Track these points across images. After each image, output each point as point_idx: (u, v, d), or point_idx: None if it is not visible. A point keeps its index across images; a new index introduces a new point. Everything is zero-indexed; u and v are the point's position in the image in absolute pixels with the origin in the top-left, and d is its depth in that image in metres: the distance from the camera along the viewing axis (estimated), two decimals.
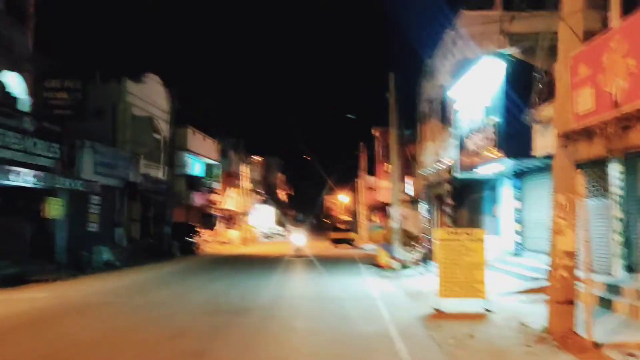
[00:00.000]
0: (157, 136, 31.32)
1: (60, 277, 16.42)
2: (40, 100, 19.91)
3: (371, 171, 58.75)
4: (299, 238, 29.52)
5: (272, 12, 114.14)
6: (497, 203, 17.84)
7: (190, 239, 30.19)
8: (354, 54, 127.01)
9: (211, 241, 41.58)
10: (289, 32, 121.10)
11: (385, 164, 52.20)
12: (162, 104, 31.93)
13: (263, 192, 64.65)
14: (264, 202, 64.22)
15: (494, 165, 14.49)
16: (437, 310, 10.89)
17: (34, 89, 20.31)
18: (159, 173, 31.46)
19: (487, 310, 10.84)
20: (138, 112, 29.38)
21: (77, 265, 19.99)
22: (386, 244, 22.54)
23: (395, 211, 24.87)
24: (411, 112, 31.72)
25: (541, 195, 15.05)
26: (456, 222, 14.32)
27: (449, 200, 13.94)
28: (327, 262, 24.42)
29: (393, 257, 21.67)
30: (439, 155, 20.52)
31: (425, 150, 23.88)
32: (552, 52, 12.61)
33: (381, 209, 56.23)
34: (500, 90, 13.27)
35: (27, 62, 20.38)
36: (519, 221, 16.65)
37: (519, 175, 16.34)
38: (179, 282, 16.28)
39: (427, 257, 17.26)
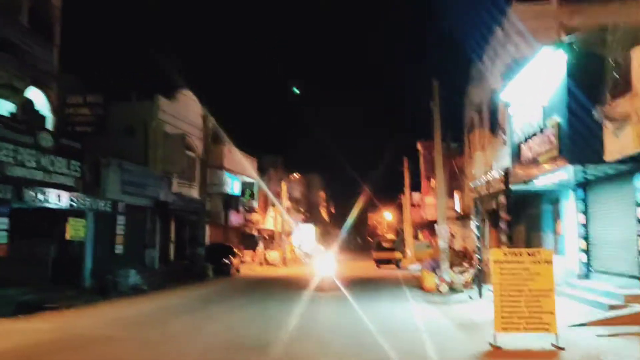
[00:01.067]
0: (190, 154, 30.33)
1: (76, 304, 15.19)
2: (62, 117, 19.03)
3: (416, 187, 56.64)
4: (325, 264, 19.92)
5: (308, 22, 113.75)
6: (559, 218, 15.78)
7: (226, 261, 28.85)
8: (397, 64, 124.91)
9: (250, 262, 40.32)
10: (327, 43, 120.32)
11: (431, 179, 50.12)
12: (196, 121, 30.98)
13: (304, 210, 63.23)
14: (306, 221, 62.73)
15: (556, 175, 12.55)
16: (494, 346, 9.04)
17: (59, 107, 19.51)
18: (194, 192, 30.40)
19: (557, 346, 8.92)
20: (171, 130, 28.50)
21: (102, 290, 18.89)
22: (431, 263, 20.54)
23: (442, 229, 22.92)
24: (457, 124, 29.88)
25: (612, 208, 13.01)
26: (512, 240, 12.37)
27: (505, 215, 12.04)
28: (368, 285, 22.59)
29: (441, 279, 19.73)
30: (491, 166, 18.61)
31: (475, 162, 21.95)
32: (624, 42, 10.75)
33: (427, 226, 53.95)
34: (561, 87, 11.41)
35: (52, 79, 19.64)
36: (585, 238, 14.55)
37: (583, 185, 14.30)
38: (202, 309, 14.82)
39: (479, 279, 15.30)
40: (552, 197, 16.32)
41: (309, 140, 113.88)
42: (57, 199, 16.06)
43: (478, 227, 15.05)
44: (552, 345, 8.99)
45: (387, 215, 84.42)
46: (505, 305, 9.10)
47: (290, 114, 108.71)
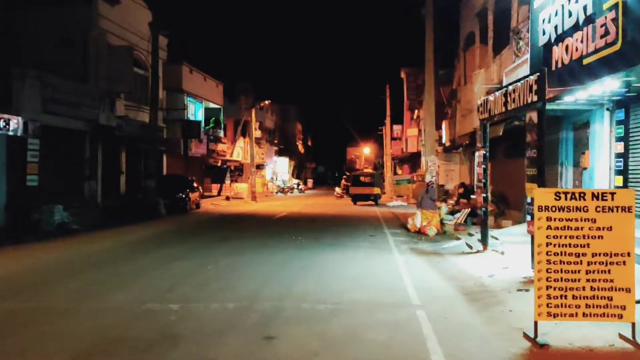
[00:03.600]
0: (139, 71, 26.06)
1: None
2: None
3: (397, 120, 53.07)
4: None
5: None
6: (586, 147, 12.34)
7: (182, 195, 25.22)
8: None
9: (216, 196, 36.86)
10: None
11: (414, 110, 46.50)
12: (146, 32, 26.39)
13: (278, 142, 59.40)
14: (280, 153, 59.04)
15: (605, 84, 8.93)
16: (532, 341, 5.68)
17: None
18: (145, 117, 26.29)
19: (635, 343, 5.60)
20: (115, 42, 24.16)
21: (15, 230, 15.31)
22: (427, 197, 17.12)
23: (431, 160, 19.55)
24: (447, 48, 26.03)
25: None
26: (543, 175, 8.71)
27: (533, 138, 8.41)
28: (342, 226, 19.22)
29: (420, 225, 16.44)
30: (499, 82, 15.02)
31: (474, 82, 18.25)
32: None
33: (408, 160, 50.81)
34: None
35: None
36: (621, 173, 11.17)
37: (626, 103, 10.76)
38: (128, 259, 11.25)
39: (484, 223, 11.90)
40: (576, 121, 12.81)
41: (285, 69, 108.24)
42: None
43: (485, 157, 11.53)
44: (626, 340, 5.68)
45: (366, 149, 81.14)
46: (554, 277, 5.68)
47: (265, 39, 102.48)
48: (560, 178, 13.65)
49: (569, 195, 5.72)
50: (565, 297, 5.66)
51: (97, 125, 21.41)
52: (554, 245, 5.70)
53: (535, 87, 8.32)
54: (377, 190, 34.41)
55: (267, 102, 43.87)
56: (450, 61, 28.26)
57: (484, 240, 11.75)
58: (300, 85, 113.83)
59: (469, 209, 18.16)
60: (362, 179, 36.28)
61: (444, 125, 29.18)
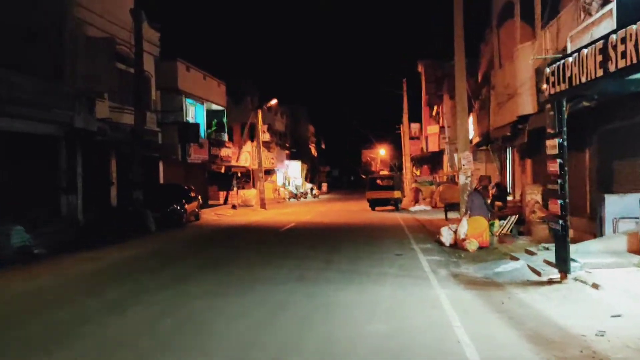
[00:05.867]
0: (122, 67, 22.95)
1: None
2: None
3: (414, 118, 49.70)
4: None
5: None
6: None
7: (176, 207, 22.09)
8: None
9: (222, 204, 33.84)
10: None
11: (434, 106, 43.22)
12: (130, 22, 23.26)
13: (290, 145, 56.25)
14: (292, 157, 55.87)
15: None
16: None
17: None
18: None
19: None
20: (95, 34, 21.21)
21: None
22: (476, 200, 14.03)
23: (465, 158, 16.28)
24: (465, 36, 22.75)
25: None
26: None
27: None
28: (359, 241, 15.94)
29: (465, 236, 13.16)
30: (559, 50, 11.71)
31: (518, 59, 14.89)
32: None
33: (428, 160, 47.46)
34: None
35: None
36: None
37: None
38: (53, 309, 7.98)
39: (563, 238, 8.40)
40: None
41: (294, 68, 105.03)
42: None
43: (562, 147, 8.12)
44: None
45: (381, 151, 77.79)
46: None
47: (271, 35, 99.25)
48: None
49: None
50: None
51: (72, 129, 18.45)
52: None
53: None
54: (397, 194, 30.99)
55: (274, 101, 40.61)
56: (471, 51, 24.98)
57: (561, 266, 8.36)
58: (312, 85, 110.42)
59: (516, 216, 14.84)
60: (380, 182, 32.94)
61: (470, 119, 25.90)
